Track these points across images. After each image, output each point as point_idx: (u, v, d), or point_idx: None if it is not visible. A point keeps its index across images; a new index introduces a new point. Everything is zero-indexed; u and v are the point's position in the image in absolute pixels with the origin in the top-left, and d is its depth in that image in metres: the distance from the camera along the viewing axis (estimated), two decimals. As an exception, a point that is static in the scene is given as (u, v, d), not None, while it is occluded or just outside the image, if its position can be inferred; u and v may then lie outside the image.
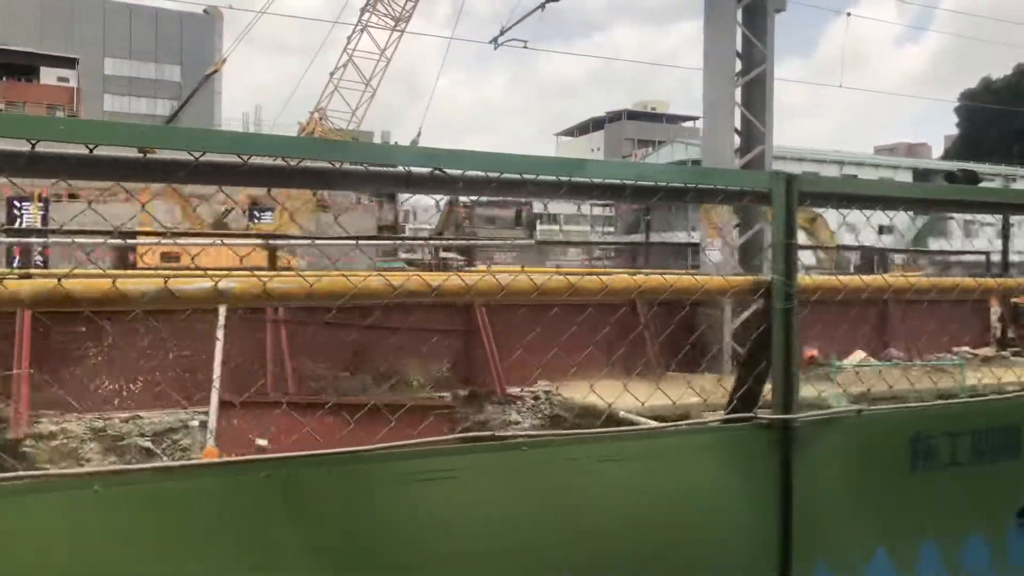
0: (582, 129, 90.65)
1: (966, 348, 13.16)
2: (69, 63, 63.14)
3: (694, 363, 9.88)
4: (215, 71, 34.39)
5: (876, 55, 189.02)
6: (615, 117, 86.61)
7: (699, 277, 2.63)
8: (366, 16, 31.92)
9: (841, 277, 3.44)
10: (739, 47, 12.10)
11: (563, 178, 2.31)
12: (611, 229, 61.72)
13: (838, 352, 12.36)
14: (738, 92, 12.12)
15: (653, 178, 2.57)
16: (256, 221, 32.03)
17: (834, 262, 27.63)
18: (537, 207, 62.37)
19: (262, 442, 7.21)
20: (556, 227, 64.89)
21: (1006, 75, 72.04)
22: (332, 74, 32.16)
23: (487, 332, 8.89)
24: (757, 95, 12.10)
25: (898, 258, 35.11)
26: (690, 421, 2.47)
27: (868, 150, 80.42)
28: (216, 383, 6.93)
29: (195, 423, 7.53)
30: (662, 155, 60.23)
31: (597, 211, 63.59)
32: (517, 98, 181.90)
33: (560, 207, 60.46)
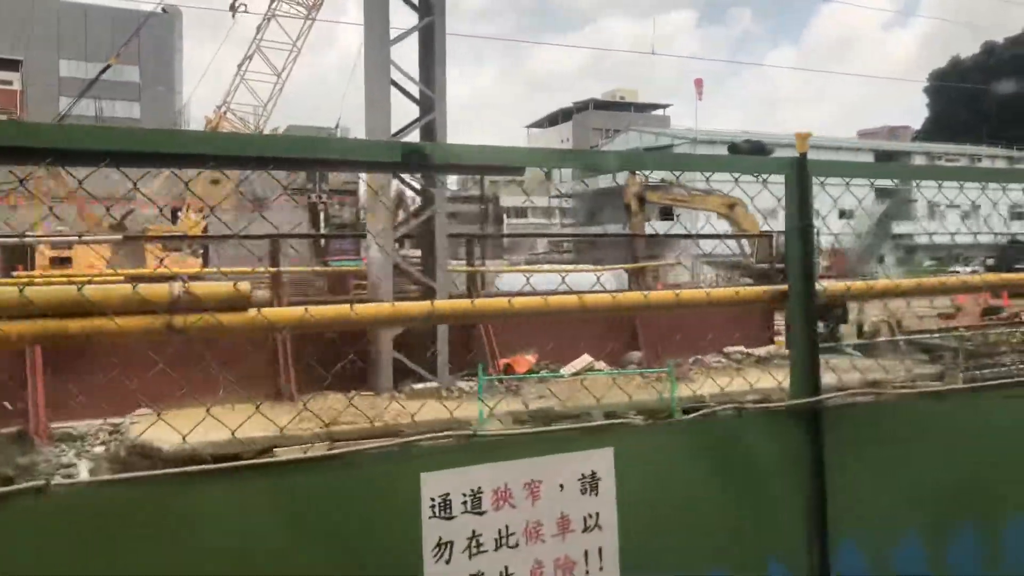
0: (551, 120, 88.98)
1: (740, 348, 11.67)
2: (12, 65, 61.78)
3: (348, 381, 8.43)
4: (108, 66, 33.65)
5: (866, 40, 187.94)
6: (582, 107, 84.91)
7: None
8: (275, 4, 30.59)
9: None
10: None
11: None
12: (569, 221, 60.40)
13: (566, 357, 10.64)
14: (414, 54, 10.44)
15: None
16: (178, 223, 30.82)
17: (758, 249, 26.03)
18: (505, 201, 60.91)
19: None
20: (523, 220, 63.21)
21: (974, 54, 70.22)
22: (240, 66, 30.83)
23: (32, 355, 7.23)
24: (429, 56, 10.40)
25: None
26: None
27: (853, 135, 79.40)
28: None
29: None
30: (617, 143, 58.75)
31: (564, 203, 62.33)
32: (508, 91, 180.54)
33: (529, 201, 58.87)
